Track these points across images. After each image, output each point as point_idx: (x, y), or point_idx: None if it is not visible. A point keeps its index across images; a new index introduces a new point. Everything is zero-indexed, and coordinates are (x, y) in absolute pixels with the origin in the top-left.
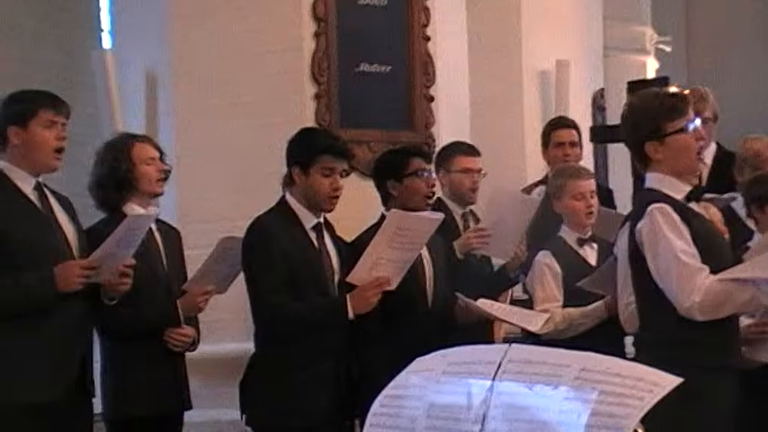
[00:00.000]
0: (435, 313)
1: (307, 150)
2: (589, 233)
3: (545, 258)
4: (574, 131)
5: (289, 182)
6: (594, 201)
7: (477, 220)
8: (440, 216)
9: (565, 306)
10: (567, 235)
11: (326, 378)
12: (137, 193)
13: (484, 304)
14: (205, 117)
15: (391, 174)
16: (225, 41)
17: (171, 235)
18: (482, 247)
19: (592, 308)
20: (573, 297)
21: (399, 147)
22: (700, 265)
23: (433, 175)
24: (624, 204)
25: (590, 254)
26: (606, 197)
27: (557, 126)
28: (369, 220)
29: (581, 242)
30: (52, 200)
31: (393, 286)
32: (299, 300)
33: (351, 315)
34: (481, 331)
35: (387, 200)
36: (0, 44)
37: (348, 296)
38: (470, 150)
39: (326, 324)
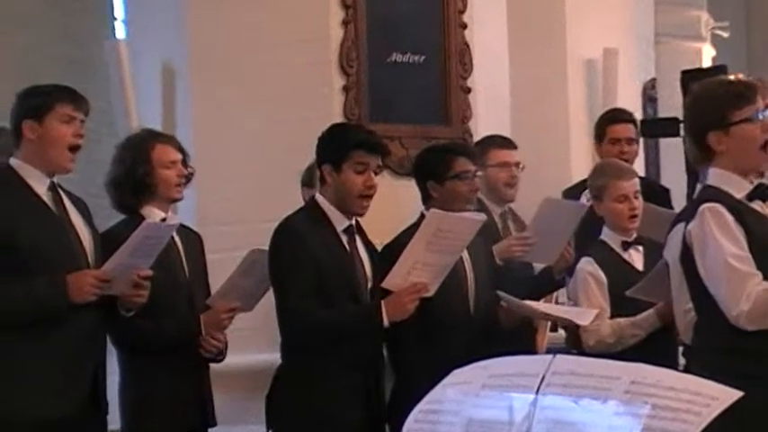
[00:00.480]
0: (477, 320)
1: (338, 146)
2: (634, 235)
3: (587, 266)
4: (632, 127)
5: (319, 182)
6: (639, 202)
7: (516, 220)
8: (482, 217)
9: (612, 317)
10: (610, 239)
11: (357, 390)
12: (155, 198)
13: (528, 303)
14: (225, 112)
15: (432, 174)
16: (246, 30)
17: (192, 240)
18: (524, 255)
19: (643, 317)
20: (620, 306)
21: (442, 144)
22: (752, 271)
23: (479, 175)
24: (678, 204)
25: (636, 258)
26: (662, 197)
27: (613, 120)
28: (401, 222)
29: (625, 246)
30: (67, 202)
31: (431, 292)
32: (329, 307)
33: (386, 322)
34: (523, 341)
35: (426, 200)
36: (5, 34)
37: (383, 302)
38: (506, 143)
39: (359, 332)
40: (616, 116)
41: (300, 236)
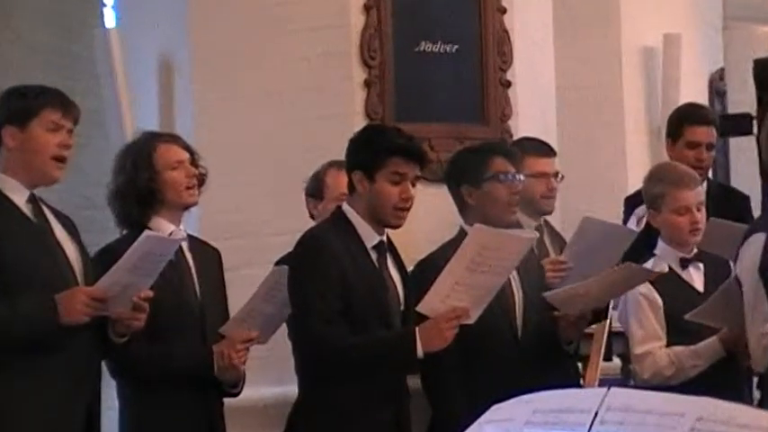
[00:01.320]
0: (525, 347)
1: (373, 151)
2: (694, 251)
3: (641, 287)
4: (713, 130)
5: (349, 190)
6: (702, 215)
7: (553, 234)
8: (534, 235)
9: (669, 344)
10: (667, 254)
11: (386, 428)
12: (164, 206)
13: (573, 287)
14: (231, 111)
15: (466, 178)
16: (254, 18)
17: (208, 256)
18: (559, 282)
19: (704, 345)
20: (678, 332)
21: (476, 144)
22: None
23: (519, 179)
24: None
25: (696, 277)
26: (740, 206)
27: (695, 120)
28: (431, 236)
29: (684, 263)
30: (49, 215)
31: (473, 319)
32: (357, 334)
33: (420, 353)
34: (571, 371)
35: (462, 209)
36: None
37: (418, 329)
38: (542, 149)
39: (389, 363)
40: (699, 116)
41: (328, 250)
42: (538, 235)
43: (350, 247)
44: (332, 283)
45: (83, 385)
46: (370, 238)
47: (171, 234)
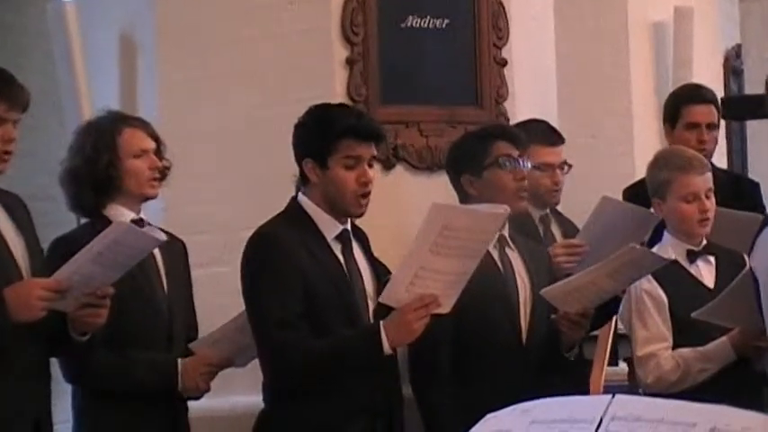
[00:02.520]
0: (531, 353)
1: (321, 136)
2: (703, 243)
3: (643, 282)
4: (713, 109)
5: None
6: (711, 203)
7: (562, 223)
8: (503, 209)
9: (675, 346)
10: (673, 247)
11: None
12: (121, 195)
13: (571, 279)
14: (199, 93)
15: (466, 166)
16: None
17: (174, 250)
18: (572, 267)
19: (713, 347)
20: (685, 333)
21: (477, 129)
22: None
23: (524, 164)
24: None
25: (705, 272)
26: (750, 192)
27: (691, 99)
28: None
29: (692, 256)
30: None
31: (446, 308)
32: (321, 337)
33: (387, 349)
34: (573, 375)
35: (465, 202)
36: None
37: (382, 323)
38: (549, 137)
39: (354, 363)
40: (695, 94)
41: (282, 246)
42: (509, 210)
43: (307, 242)
44: (289, 284)
45: (29, 398)
46: (330, 228)
47: (141, 222)
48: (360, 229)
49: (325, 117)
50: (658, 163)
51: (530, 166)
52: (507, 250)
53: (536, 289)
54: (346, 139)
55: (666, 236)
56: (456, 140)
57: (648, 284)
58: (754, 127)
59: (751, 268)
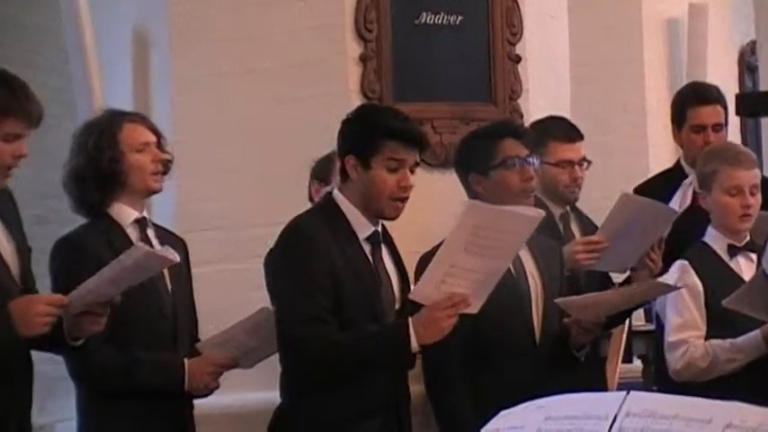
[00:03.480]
0: (543, 352)
1: (367, 135)
2: (746, 239)
3: (682, 271)
4: (719, 108)
5: (341, 177)
6: (756, 199)
7: (581, 220)
8: (539, 213)
9: (709, 337)
10: (715, 241)
11: None
12: (126, 191)
13: (587, 297)
14: (212, 88)
15: (473, 165)
16: None
17: (177, 249)
18: (591, 264)
19: (744, 339)
20: (719, 324)
21: (484, 127)
22: None
23: (533, 162)
24: None
25: (745, 268)
26: (764, 189)
27: (695, 101)
28: (433, 225)
29: (733, 251)
30: None
31: (475, 308)
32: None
33: (414, 345)
34: (590, 374)
35: (473, 199)
36: None
37: (411, 320)
38: (569, 134)
39: (381, 359)
40: (700, 95)
41: (315, 241)
42: (544, 213)
43: (339, 239)
44: (319, 279)
45: (16, 398)
46: (362, 228)
47: (144, 220)
48: (387, 232)
49: (373, 116)
50: (707, 155)
51: (537, 164)
52: None
53: (547, 287)
54: (392, 141)
55: (710, 230)
56: (464, 138)
57: (687, 273)
58: None
59: (763, 270)
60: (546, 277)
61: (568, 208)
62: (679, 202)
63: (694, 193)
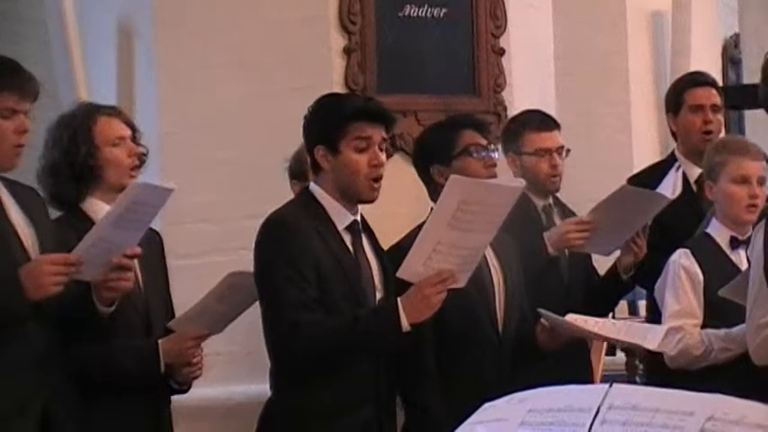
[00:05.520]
0: (507, 341)
1: (331, 121)
2: (748, 233)
3: (683, 259)
4: (715, 92)
5: (312, 169)
6: (762, 191)
7: (564, 211)
8: (520, 183)
9: (706, 325)
10: (718, 232)
11: (368, 429)
12: (101, 186)
13: (575, 320)
14: (197, 81)
15: (435, 157)
16: None
17: (149, 241)
18: (583, 244)
19: (739, 329)
20: (717, 314)
21: (443, 120)
22: None
23: (494, 154)
24: None
25: (746, 261)
26: None
27: (692, 83)
28: (417, 216)
29: (735, 243)
30: (5, 195)
31: (461, 283)
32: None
33: (405, 325)
34: (572, 365)
35: (434, 193)
36: None
37: (400, 300)
38: (544, 123)
39: (373, 340)
40: (696, 78)
41: (297, 232)
42: (525, 183)
43: (320, 230)
44: (304, 270)
45: (37, 382)
46: (341, 218)
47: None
48: (366, 221)
49: (334, 102)
50: (716, 147)
51: (497, 155)
52: None
53: (508, 279)
54: (356, 121)
55: (713, 221)
56: (422, 132)
57: (688, 261)
58: (752, 116)
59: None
60: (506, 270)
61: (551, 200)
62: (671, 188)
63: (684, 180)
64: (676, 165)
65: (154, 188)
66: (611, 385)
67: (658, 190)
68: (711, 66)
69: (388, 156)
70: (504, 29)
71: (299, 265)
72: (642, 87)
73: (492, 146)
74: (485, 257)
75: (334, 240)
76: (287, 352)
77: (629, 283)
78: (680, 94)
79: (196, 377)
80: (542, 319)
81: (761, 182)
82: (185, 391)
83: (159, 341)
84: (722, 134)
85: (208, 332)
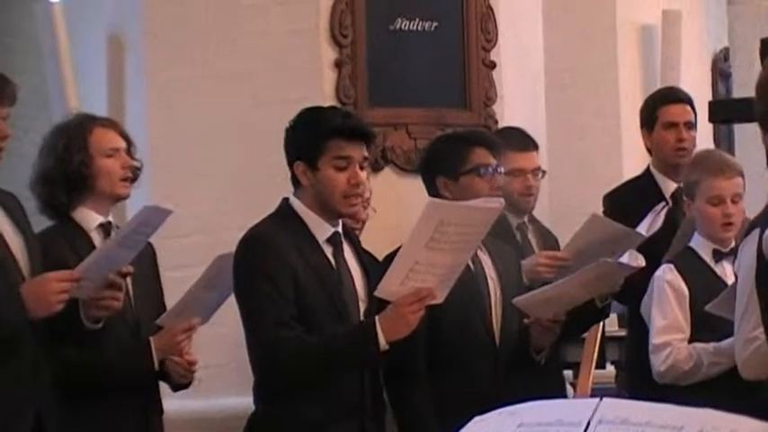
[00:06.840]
0: (503, 352)
1: (311, 137)
2: (731, 245)
3: (667, 274)
4: (689, 108)
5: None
6: (738, 208)
7: (538, 231)
8: (498, 202)
9: (693, 340)
10: (700, 246)
11: None
12: (93, 196)
13: (544, 290)
14: (187, 92)
15: (443, 168)
16: None
17: (142, 253)
18: (551, 278)
19: (728, 343)
20: (703, 327)
21: (457, 132)
22: None
23: (500, 171)
24: (757, 204)
25: (730, 273)
26: None
27: (666, 100)
28: (408, 230)
29: (718, 256)
30: None
31: (440, 299)
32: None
33: (383, 343)
34: (559, 379)
35: None
36: None
37: (378, 318)
38: (523, 143)
39: (352, 359)
40: (669, 95)
41: (274, 247)
42: (503, 203)
43: (299, 244)
44: (282, 286)
45: (29, 394)
46: (321, 231)
47: (110, 224)
48: (351, 231)
49: (313, 118)
50: (692, 164)
51: (502, 171)
52: (478, 252)
53: (506, 290)
54: (334, 139)
55: (696, 236)
56: (433, 140)
57: (672, 276)
58: (741, 130)
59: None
60: (504, 280)
61: (526, 218)
62: (647, 225)
63: (666, 215)
64: (661, 205)
65: (159, 210)
66: (601, 399)
67: (637, 228)
68: (701, 80)
69: (379, 169)
70: (495, 42)
71: (277, 282)
72: (632, 101)
73: (500, 168)
74: (481, 267)
75: (313, 253)
76: (268, 369)
77: (604, 311)
78: (654, 110)
79: (193, 372)
80: (517, 305)
81: (735, 200)
82: (186, 386)
83: (150, 338)
84: (699, 148)
85: (197, 321)
